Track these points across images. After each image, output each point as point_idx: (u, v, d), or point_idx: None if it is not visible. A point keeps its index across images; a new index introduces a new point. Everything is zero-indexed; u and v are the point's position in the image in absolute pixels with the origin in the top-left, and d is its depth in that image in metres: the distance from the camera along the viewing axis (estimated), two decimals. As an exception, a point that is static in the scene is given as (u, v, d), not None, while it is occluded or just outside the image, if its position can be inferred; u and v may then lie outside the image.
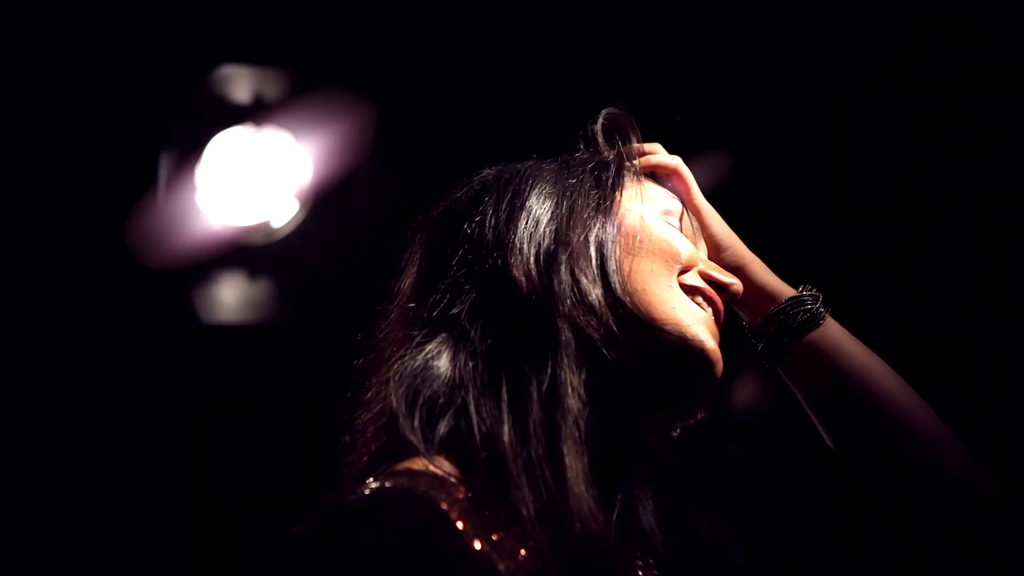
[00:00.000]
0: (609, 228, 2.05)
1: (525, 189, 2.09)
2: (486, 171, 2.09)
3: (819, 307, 2.10)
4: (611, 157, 2.10)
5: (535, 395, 1.82)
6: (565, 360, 1.88)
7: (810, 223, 2.86)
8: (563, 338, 1.93)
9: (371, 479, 1.66)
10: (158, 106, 2.60)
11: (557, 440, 1.76)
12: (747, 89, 2.73)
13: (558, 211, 2.06)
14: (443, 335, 1.84)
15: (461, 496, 1.64)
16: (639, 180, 2.14)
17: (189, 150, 2.62)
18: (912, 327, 3.02)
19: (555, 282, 1.97)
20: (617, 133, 2.18)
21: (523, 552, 1.61)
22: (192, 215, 2.62)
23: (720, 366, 2.02)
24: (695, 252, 2.05)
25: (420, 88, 2.58)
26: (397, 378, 1.78)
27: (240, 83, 2.63)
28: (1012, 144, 2.85)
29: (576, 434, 1.77)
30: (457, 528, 1.60)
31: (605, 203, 2.05)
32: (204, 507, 2.87)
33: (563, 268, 2.00)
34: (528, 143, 2.16)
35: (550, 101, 2.16)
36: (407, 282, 1.96)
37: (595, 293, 1.98)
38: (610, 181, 2.09)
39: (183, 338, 2.76)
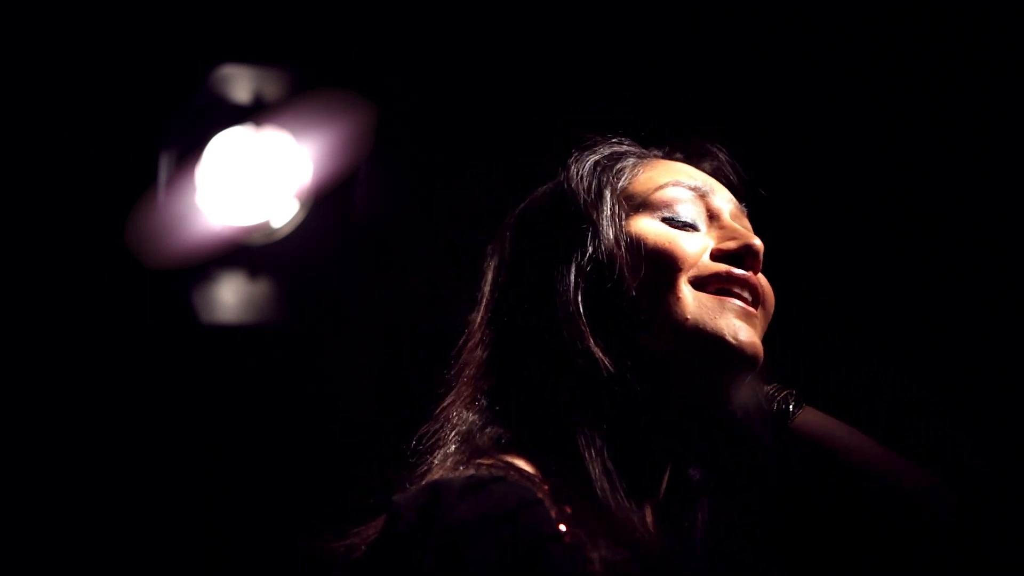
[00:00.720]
0: (602, 256, 2.01)
1: (534, 228, 2.06)
2: (518, 209, 2.07)
3: (790, 402, 2.12)
4: (602, 163, 2.06)
5: (559, 443, 1.84)
6: (578, 410, 1.88)
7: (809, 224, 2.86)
8: (570, 388, 1.91)
9: (462, 467, 1.74)
10: (158, 106, 2.60)
11: (590, 481, 1.78)
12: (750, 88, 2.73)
13: (555, 249, 2.03)
14: (490, 388, 1.92)
15: (547, 489, 1.71)
16: (640, 169, 2.08)
17: (189, 150, 2.62)
18: (909, 328, 3.02)
19: (555, 333, 1.95)
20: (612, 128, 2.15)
21: (608, 547, 1.66)
22: (192, 215, 2.62)
23: (752, 349, 1.96)
24: (701, 244, 1.99)
25: (421, 87, 2.58)
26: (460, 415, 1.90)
27: (240, 83, 2.63)
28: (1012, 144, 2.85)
29: (606, 469, 1.80)
30: (551, 514, 1.65)
31: (596, 229, 2.01)
32: (203, 507, 2.86)
33: (562, 316, 1.97)
34: (529, 142, 2.16)
35: (553, 100, 2.15)
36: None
37: (593, 338, 1.94)
38: (600, 197, 2.05)
39: (183, 338, 2.76)
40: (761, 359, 1.95)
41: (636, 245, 1.98)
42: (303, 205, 2.63)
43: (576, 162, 2.06)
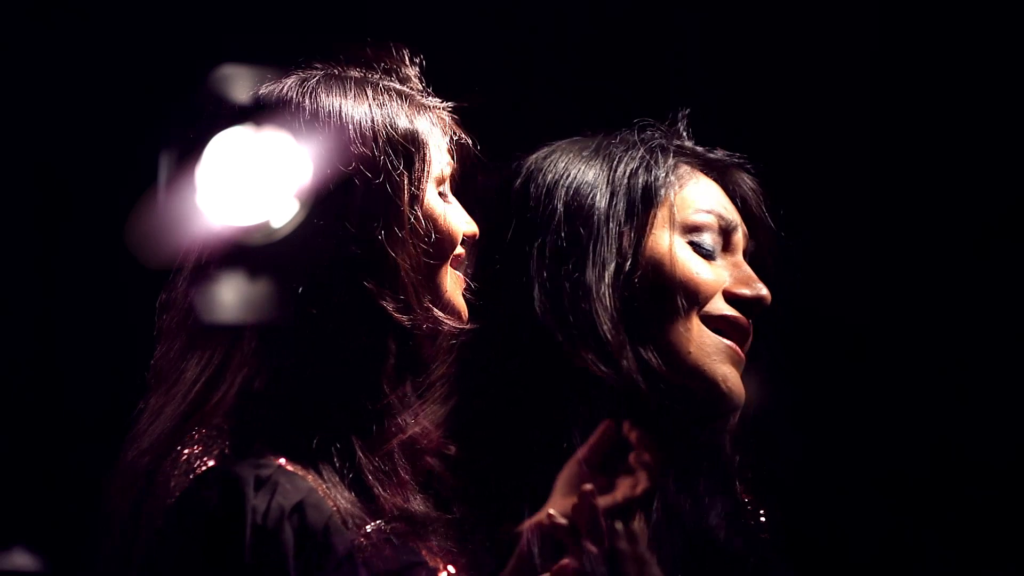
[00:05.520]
0: (630, 267, 2.04)
1: (558, 208, 2.08)
2: (532, 166, 2.06)
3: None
4: (657, 158, 2.07)
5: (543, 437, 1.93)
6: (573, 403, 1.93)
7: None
8: (574, 378, 1.95)
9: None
10: (158, 106, 2.61)
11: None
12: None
13: (584, 241, 2.05)
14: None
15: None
16: (689, 180, 2.09)
17: (189, 150, 2.63)
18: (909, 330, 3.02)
19: (573, 329, 1.98)
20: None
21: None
22: (192, 215, 2.63)
23: (737, 396, 2.03)
24: (717, 281, 2.04)
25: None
26: None
27: (240, 83, 2.63)
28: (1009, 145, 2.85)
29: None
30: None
31: (632, 236, 2.04)
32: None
33: (581, 312, 1.99)
34: (531, 139, 2.16)
35: (555, 99, 2.15)
36: None
37: (612, 340, 1.98)
38: (645, 200, 2.07)
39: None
40: (739, 403, 2.02)
41: (671, 261, 2.02)
42: (303, 205, 2.63)
43: (644, 152, 2.07)
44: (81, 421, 2.91)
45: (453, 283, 2.12)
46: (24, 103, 2.79)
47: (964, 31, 2.89)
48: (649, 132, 2.16)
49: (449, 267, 2.11)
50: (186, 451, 2.00)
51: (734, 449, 2.19)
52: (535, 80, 2.83)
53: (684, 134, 2.23)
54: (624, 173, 2.11)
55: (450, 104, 2.25)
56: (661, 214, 2.08)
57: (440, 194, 2.16)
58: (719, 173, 2.18)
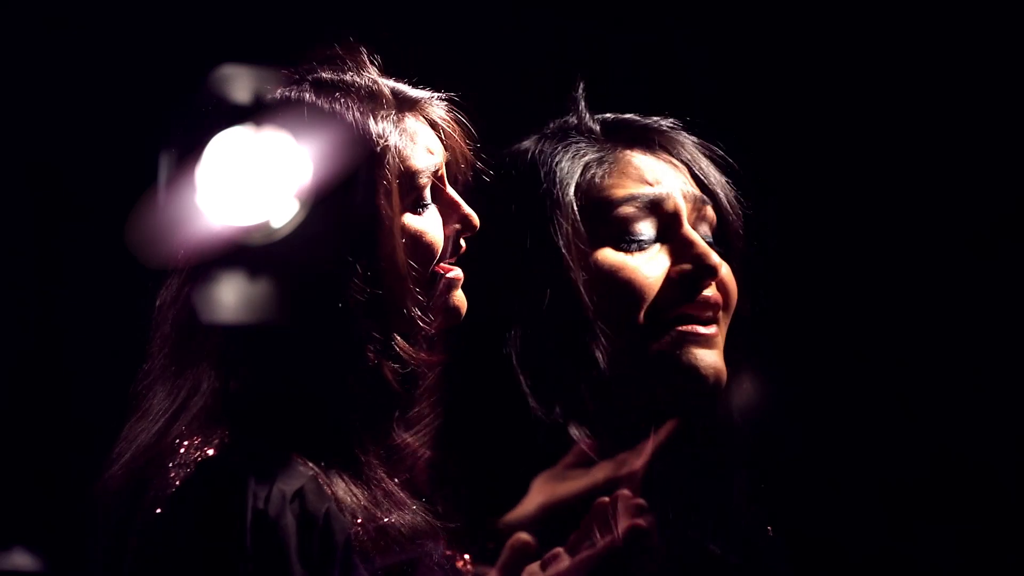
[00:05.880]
0: (563, 287, 2.00)
1: (511, 230, 2.05)
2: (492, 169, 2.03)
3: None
4: (569, 173, 2.03)
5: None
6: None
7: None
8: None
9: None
10: (158, 106, 2.61)
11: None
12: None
13: (524, 265, 2.02)
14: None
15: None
16: (602, 173, 2.05)
17: (189, 150, 2.63)
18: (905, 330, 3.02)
19: (514, 355, 1.96)
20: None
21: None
22: (192, 215, 2.63)
23: (714, 375, 1.99)
24: (654, 273, 1.99)
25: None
26: None
27: (240, 83, 2.64)
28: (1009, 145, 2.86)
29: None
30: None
31: (543, 264, 2.00)
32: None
33: (522, 338, 1.97)
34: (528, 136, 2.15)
35: (552, 98, 2.15)
36: None
37: (531, 393, 1.96)
38: (545, 227, 2.02)
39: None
40: (724, 381, 1.98)
41: (609, 270, 1.98)
42: (303, 205, 2.63)
43: (544, 161, 2.04)
44: (81, 422, 2.91)
45: (442, 288, 2.06)
46: (24, 103, 2.80)
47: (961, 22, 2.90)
48: (557, 134, 2.09)
49: (434, 273, 2.05)
50: (185, 443, 2.00)
51: (732, 447, 2.18)
52: (534, 73, 2.84)
53: (586, 114, 2.14)
54: (526, 197, 2.06)
55: (445, 96, 2.23)
56: (566, 230, 1.99)
57: (419, 205, 2.09)
58: (651, 144, 2.10)
